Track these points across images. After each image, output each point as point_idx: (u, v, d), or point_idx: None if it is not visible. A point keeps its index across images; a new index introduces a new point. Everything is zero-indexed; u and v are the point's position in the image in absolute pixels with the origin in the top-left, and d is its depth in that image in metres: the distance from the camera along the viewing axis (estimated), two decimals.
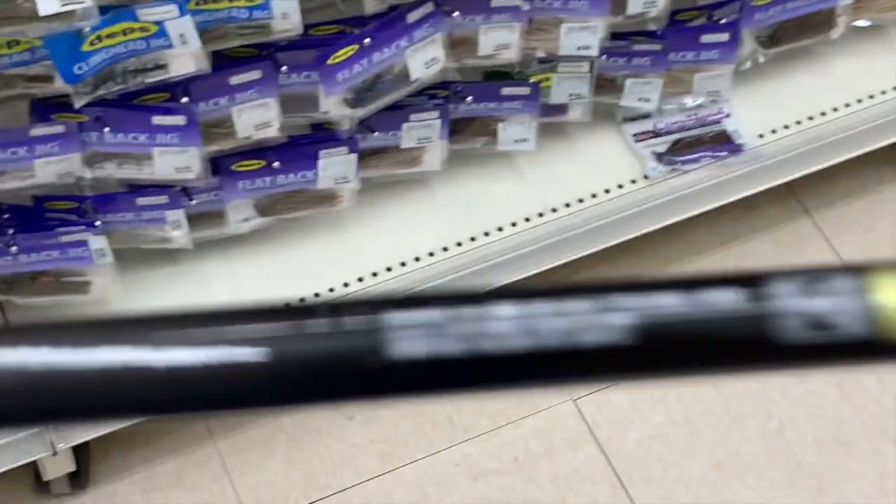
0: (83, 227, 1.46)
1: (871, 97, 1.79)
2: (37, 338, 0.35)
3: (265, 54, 1.44)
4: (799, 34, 1.73)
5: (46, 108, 1.38)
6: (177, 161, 1.43)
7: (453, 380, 0.33)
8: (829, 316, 0.35)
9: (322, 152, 1.52)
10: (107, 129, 1.39)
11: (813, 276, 0.35)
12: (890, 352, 0.35)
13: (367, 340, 0.33)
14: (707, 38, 1.64)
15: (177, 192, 1.49)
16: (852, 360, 0.36)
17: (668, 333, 0.34)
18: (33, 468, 1.59)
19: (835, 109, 1.78)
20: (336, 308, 0.34)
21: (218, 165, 1.51)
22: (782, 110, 1.77)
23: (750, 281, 0.35)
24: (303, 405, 0.35)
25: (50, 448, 1.51)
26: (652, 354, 0.34)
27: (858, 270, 0.36)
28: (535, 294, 0.34)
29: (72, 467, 1.58)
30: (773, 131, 1.75)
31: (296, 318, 0.33)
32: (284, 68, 1.45)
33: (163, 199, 1.48)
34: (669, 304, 0.34)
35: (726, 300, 0.34)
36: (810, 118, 1.77)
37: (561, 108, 1.66)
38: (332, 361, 0.33)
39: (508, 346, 0.33)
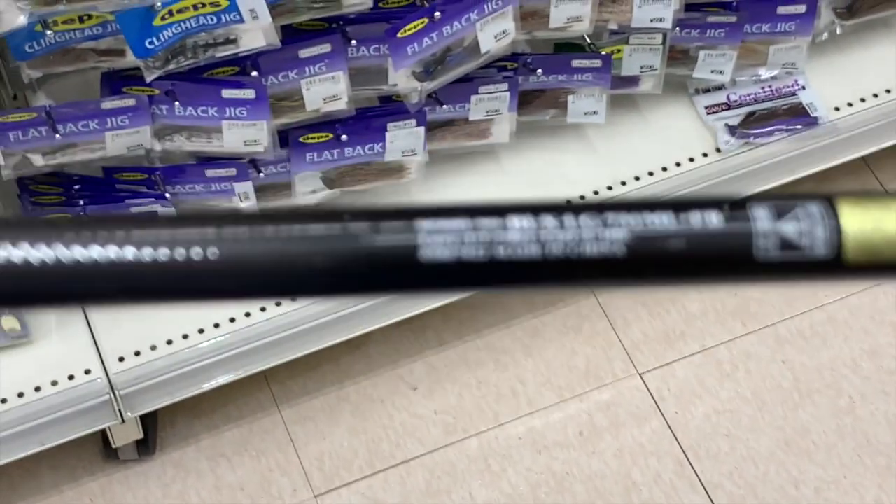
0: (153, 199, 1.46)
1: None
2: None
3: (335, 28, 1.42)
4: (877, 5, 1.69)
5: (117, 82, 1.38)
6: (246, 134, 1.42)
7: (473, 280, 0.39)
8: (799, 238, 0.39)
9: (390, 125, 1.51)
10: (177, 103, 1.39)
11: (788, 203, 0.40)
12: (851, 272, 0.40)
13: (402, 243, 0.38)
14: (784, 9, 1.60)
15: (245, 164, 1.48)
16: (818, 278, 0.40)
17: (657, 248, 0.39)
18: (101, 435, 1.61)
19: None
20: (377, 214, 0.39)
21: (286, 137, 1.50)
22: (859, 83, 1.73)
23: (732, 205, 0.40)
24: (346, 296, 0.41)
25: (118, 416, 1.52)
26: (642, 266, 0.39)
27: (827, 198, 0.40)
28: (544, 209, 0.39)
29: (139, 435, 1.59)
30: (850, 104, 1.71)
31: (342, 221, 0.39)
32: (354, 42, 1.43)
33: (231, 171, 1.48)
34: (660, 222, 0.39)
35: (710, 221, 0.39)
36: (888, 91, 1.72)
37: (632, 80, 1.63)
38: (374, 259, 0.39)
39: (520, 254, 0.38)
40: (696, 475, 1.66)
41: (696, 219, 0.39)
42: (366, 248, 0.38)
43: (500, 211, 0.39)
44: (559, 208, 0.39)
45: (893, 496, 1.65)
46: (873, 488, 1.66)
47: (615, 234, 0.39)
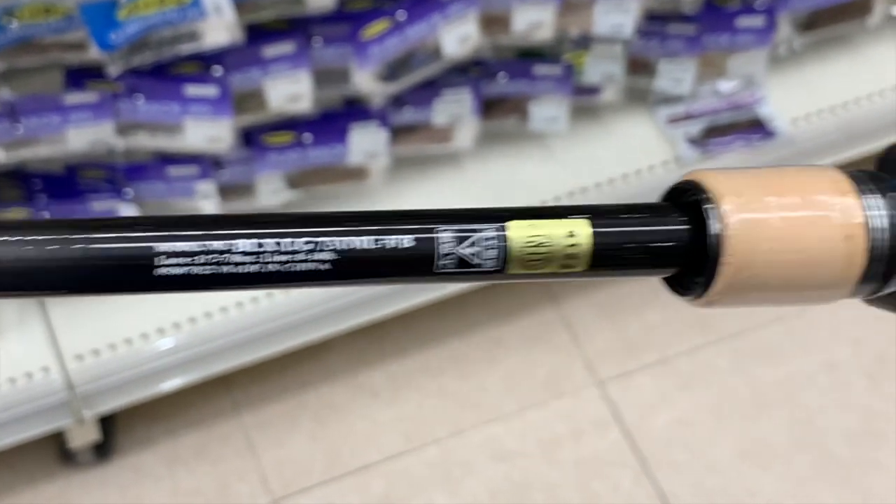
0: (114, 196, 1.46)
1: None
2: None
3: (299, 27, 1.43)
4: (835, 20, 1.72)
5: (80, 76, 1.39)
6: (209, 132, 1.43)
7: (202, 287, 0.47)
8: (473, 259, 0.47)
9: (353, 127, 1.52)
10: (140, 99, 1.40)
11: (469, 228, 0.48)
12: (513, 278, 0.49)
13: (140, 258, 0.46)
14: (742, 21, 1.63)
15: (208, 163, 1.49)
16: (486, 282, 0.49)
17: (356, 265, 0.47)
18: (59, 439, 1.60)
19: (869, 97, 1.76)
20: (125, 225, 0.46)
21: (249, 137, 1.51)
22: (817, 96, 1.75)
23: (423, 230, 0.47)
24: (88, 293, 0.47)
25: (76, 415, 1.51)
26: (343, 276, 0.47)
27: (502, 222, 0.48)
28: (267, 232, 0.47)
29: (97, 436, 1.58)
30: (807, 117, 1.74)
31: (97, 230, 0.46)
32: (318, 42, 1.44)
33: (193, 169, 1.48)
34: (361, 244, 0.47)
35: (402, 244, 0.47)
36: (844, 105, 1.75)
37: (593, 90, 1.65)
38: (115, 266, 0.46)
39: (242, 271, 0.46)
40: (655, 485, 1.67)
41: (391, 242, 0.47)
42: (108, 259, 0.46)
43: (228, 236, 0.47)
44: (281, 230, 0.47)
45: None
46: (830, 500, 1.66)
47: (323, 255, 0.47)
